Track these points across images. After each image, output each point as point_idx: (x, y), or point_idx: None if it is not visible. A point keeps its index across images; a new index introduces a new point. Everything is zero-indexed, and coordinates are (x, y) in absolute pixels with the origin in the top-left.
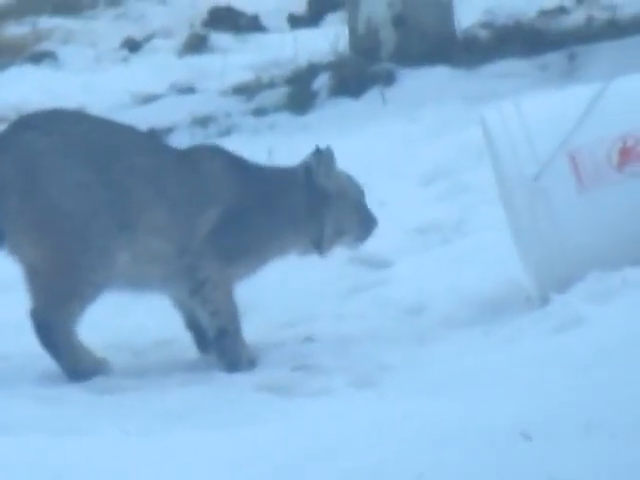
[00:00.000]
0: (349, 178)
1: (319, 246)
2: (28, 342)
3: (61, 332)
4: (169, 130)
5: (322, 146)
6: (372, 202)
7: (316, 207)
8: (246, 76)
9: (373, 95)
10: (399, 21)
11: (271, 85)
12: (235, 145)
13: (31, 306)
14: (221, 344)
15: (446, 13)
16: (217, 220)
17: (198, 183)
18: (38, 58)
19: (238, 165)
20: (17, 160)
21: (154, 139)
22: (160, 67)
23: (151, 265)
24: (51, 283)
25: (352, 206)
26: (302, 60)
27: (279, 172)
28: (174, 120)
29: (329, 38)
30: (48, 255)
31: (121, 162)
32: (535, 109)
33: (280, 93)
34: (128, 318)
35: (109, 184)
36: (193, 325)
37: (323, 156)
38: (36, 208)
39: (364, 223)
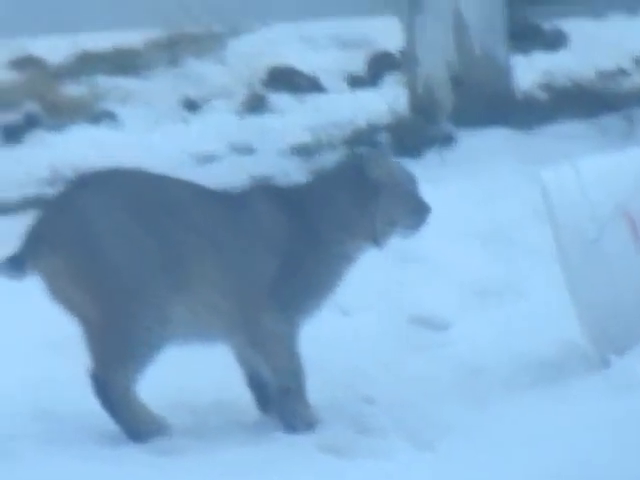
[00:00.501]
0: (400, 168)
1: (375, 240)
2: (87, 401)
3: (120, 393)
4: None
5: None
6: (430, 263)
7: (367, 202)
8: (305, 136)
9: (432, 156)
10: (457, 82)
11: (330, 145)
12: None
13: (90, 366)
14: (282, 402)
15: (504, 74)
16: (274, 268)
17: (251, 231)
18: (97, 118)
19: (283, 198)
20: (72, 220)
21: (209, 191)
22: (219, 127)
23: (210, 318)
24: (108, 344)
25: (403, 196)
26: (361, 120)
27: (327, 177)
28: (233, 180)
29: (388, 98)
30: (104, 316)
31: (174, 218)
32: (593, 171)
33: (339, 154)
34: (188, 378)
35: (162, 241)
36: (255, 383)
37: (374, 151)
38: (91, 269)
39: (416, 212)
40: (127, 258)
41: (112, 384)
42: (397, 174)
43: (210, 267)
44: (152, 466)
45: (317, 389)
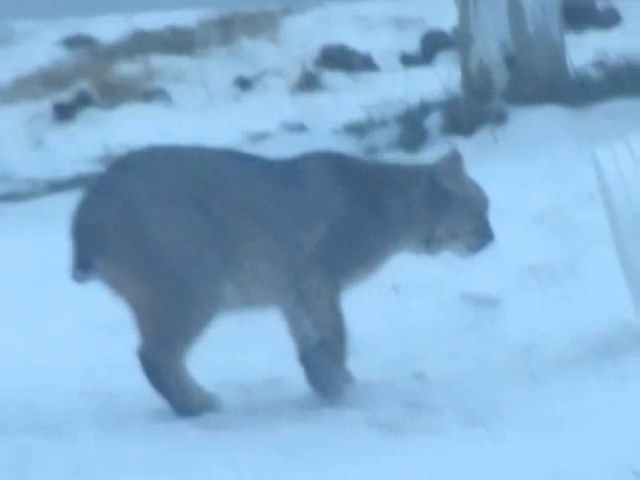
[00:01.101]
0: (477, 187)
1: (428, 245)
2: (137, 380)
3: (169, 371)
4: None
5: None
6: None
7: (434, 207)
8: (358, 115)
9: (485, 134)
10: (511, 61)
11: (383, 124)
12: None
13: (138, 346)
14: (318, 358)
15: (558, 53)
16: (325, 233)
17: (302, 198)
18: (150, 97)
19: (347, 168)
20: (116, 203)
21: (255, 159)
22: (272, 105)
23: (260, 289)
24: (158, 324)
25: (471, 213)
26: (414, 99)
27: (402, 170)
28: None
29: (441, 77)
30: (153, 297)
31: (218, 192)
32: None
33: (392, 132)
34: (239, 356)
35: (208, 217)
36: (306, 358)
37: (454, 159)
38: (139, 251)
39: (479, 234)
40: (175, 240)
41: (161, 364)
42: (470, 190)
43: (258, 238)
44: (203, 441)
45: (369, 366)
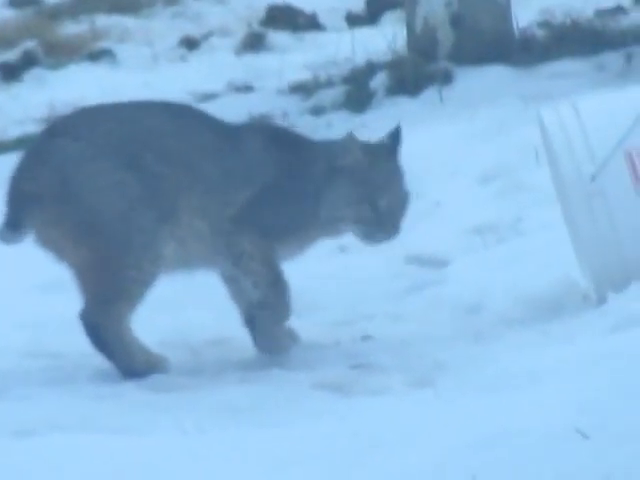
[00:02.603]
0: (403, 176)
1: (327, 221)
2: (82, 340)
3: (111, 332)
4: None
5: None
6: (428, 202)
7: (322, 184)
8: (303, 75)
9: (430, 94)
10: (456, 20)
11: (329, 84)
12: None
13: (80, 308)
14: (259, 318)
15: (503, 12)
16: (252, 196)
17: (237, 160)
18: (96, 56)
19: (283, 140)
20: (50, 168)
21: (203, 117)
22: (218, 66)
23: (196, 245)
24: (97, 285)
25: (389, 200)
26: (360, 59)
27: (331, 146)
28: (232, 118)
29: (387, 37)
30: (92, 258)
31: (152, 148)
32: (592, 109)
33: (338, 92)
34: (184, 316)
35: (143, 174)
36: (250, 320)
37: (393, 138)
38: (74, 214)
39: (387, 225)
40: (108, 201)
41: (103, 325)
42: (398, 179)
43: (193, 194)
44: (148, 403)
45: (315, 327)
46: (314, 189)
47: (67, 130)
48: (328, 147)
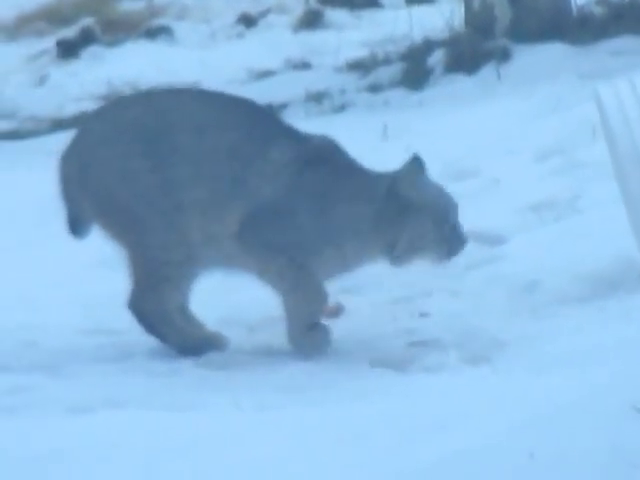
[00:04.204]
0: (440, 191)
1: (391, 256)
2: None
3: (158, 316)
4: (284, 106)
5: (416, 155)
6: (486, 179)
7: (393, 217)
8: (361, 52)
9: (488, 72)
10: None
11: (386, 61)
12: (349, 121)
13: (127, 298)
14: (286, 319)
15: None
16: (257, 209)
17: (250, 169)
18: (153, 34)
19: (320, 162)
20: (75, 154)
21: (229, 112)
22: (275, 43)
23: (218, 245)
24: (135, 270)
25: (436, 222)
26: (417, 36)
27: (366, 176)
28: (289, 96)
29: (444, 14)
30: (124, 243)
31: (169, 142)
32: None
33: (395, 69)
34: (242, 293)
35: (157, 166)
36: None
37: (416, 165)
38: (95, 199)
39: (449, 241)
40: (123, 186)
41: (148, 311)
42: (433, 196)
43: (194, 193)
44: (205, 380)
45: (373, 305)
46: (354, 223)
47: (98, 116)
48: (377, 181)
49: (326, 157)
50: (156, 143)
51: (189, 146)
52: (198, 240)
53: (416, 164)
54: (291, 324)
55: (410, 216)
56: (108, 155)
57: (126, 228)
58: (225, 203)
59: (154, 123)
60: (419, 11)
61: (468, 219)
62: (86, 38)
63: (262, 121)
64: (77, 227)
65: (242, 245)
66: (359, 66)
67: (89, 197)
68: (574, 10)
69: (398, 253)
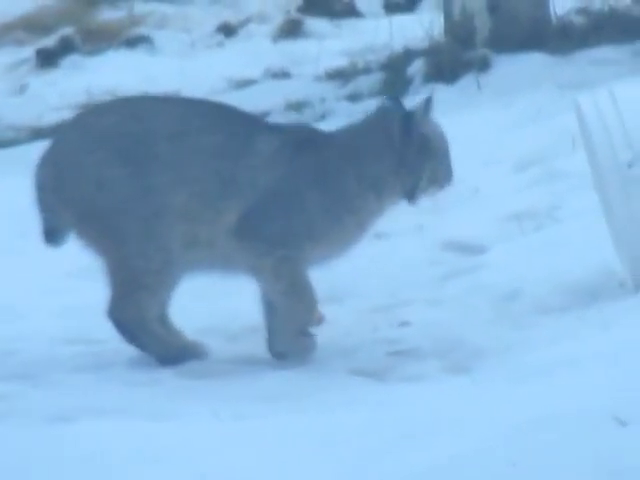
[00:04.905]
0: (440, 126)
1: (412, 196)
2: None
3: (137, 325)
4: (264, 115)
5: (430, 96)
6: (466, 189)
7: (414, 156)
8: (341, 61)
9: (468, 81)
10: (494, 7)
11: (366, 70)
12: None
13: (106, 307)
14: (276, 321)
15: None
16: (256, 203)
17: (238, 166)
18: (133, 43)
19: (308, 139)
20: (51, 162)
21: (208, 116)
22: (255, 52)
23: (201, 249)
24: (114, 279)
25: (446, 155)
26: (397, 46)
27: (363, 131)
28: (269, 105)
29: (424, 24)
30: (102, 252)
31: (147, 149)
32: (629, 96)
33: (375, 79)
34: (222, 303)
35: (136, 172)
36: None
37: (429, 104)
38: (72, 208)
39: (450, 173)
40: (100, 195)
41: (128, 320)
42: (442, 132)
43: (177, 197)
44: (185, 390)
45: (352, 312)
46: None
47: (74, 124)
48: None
49: (312, 137)
50: (134, 150)
51: (168, 152)
52: (179, 246)
53: (429, 103)
54: (284, 327)
55: (428, 152)
56: (84, 163)
57: (104, 236)
58: (216, 205)
59: (131, 130)
60: (399, 20)
61: (449, 228)
62: (66, 47)
63: (242, 120)
64: (53, 236)
65: (240, 241)
66: (339, 75)
67: (66, 206)
68: (554, 20)
69: (420, 192)
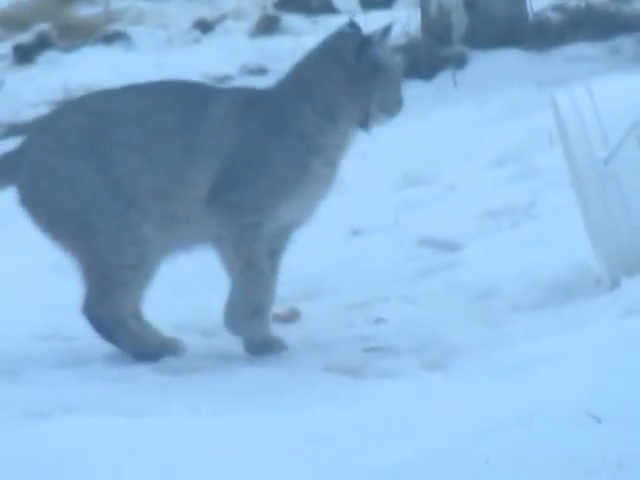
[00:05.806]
0: (394, 55)
1: (365, 123)
2: None
3: (112, 322)
4: None
5: (390, 24)
6: (442, 185)
7: (367, 77)
8: None
9: (444, 78)
10: (471, 4)
11: None
12: None
13: (81, 305)
14: (229, 302)
15: None
16: (222, 170)
17: (197, 136)
18: (110, 39)
19: (253, 99)
20: (23, 166)
21: (165, 94)
22: (231, 48)
23: (176, 227)
24: (89, 276)
25: (397, 83)
26: None
27: (311, 61)
28: None
29: (401, 20)
30: (75, 251)
31: (110, 140)
32: (606, 93)
33: None
34: (196, 298)
35: (102, 166)
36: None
37: (387, 31)
38: (43, 212)
39: (400, 102)
40: (70, 194)
41: (103, 316)
42: (396, 60)
43: (148, 178)
44: (162, 386)
45: (327, 309)
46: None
47: (40, 125)
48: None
49: (259, 91)
50: (98, 144)
51: (132, 137)
52: (155, 230)
53: (388, 30)
54: (235, 306)
55: (381, 76)
56: (52, 166)
57: (77, 236)
58: (186, 178)
59: (93, 125)
60: (375, 16)
61: (425, 225)
62: (42, 43)
63: (193, 90)
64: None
65: (210, 207)
66: None
67: (35, 211)
68: (530, 16)
69: (373, 117)
